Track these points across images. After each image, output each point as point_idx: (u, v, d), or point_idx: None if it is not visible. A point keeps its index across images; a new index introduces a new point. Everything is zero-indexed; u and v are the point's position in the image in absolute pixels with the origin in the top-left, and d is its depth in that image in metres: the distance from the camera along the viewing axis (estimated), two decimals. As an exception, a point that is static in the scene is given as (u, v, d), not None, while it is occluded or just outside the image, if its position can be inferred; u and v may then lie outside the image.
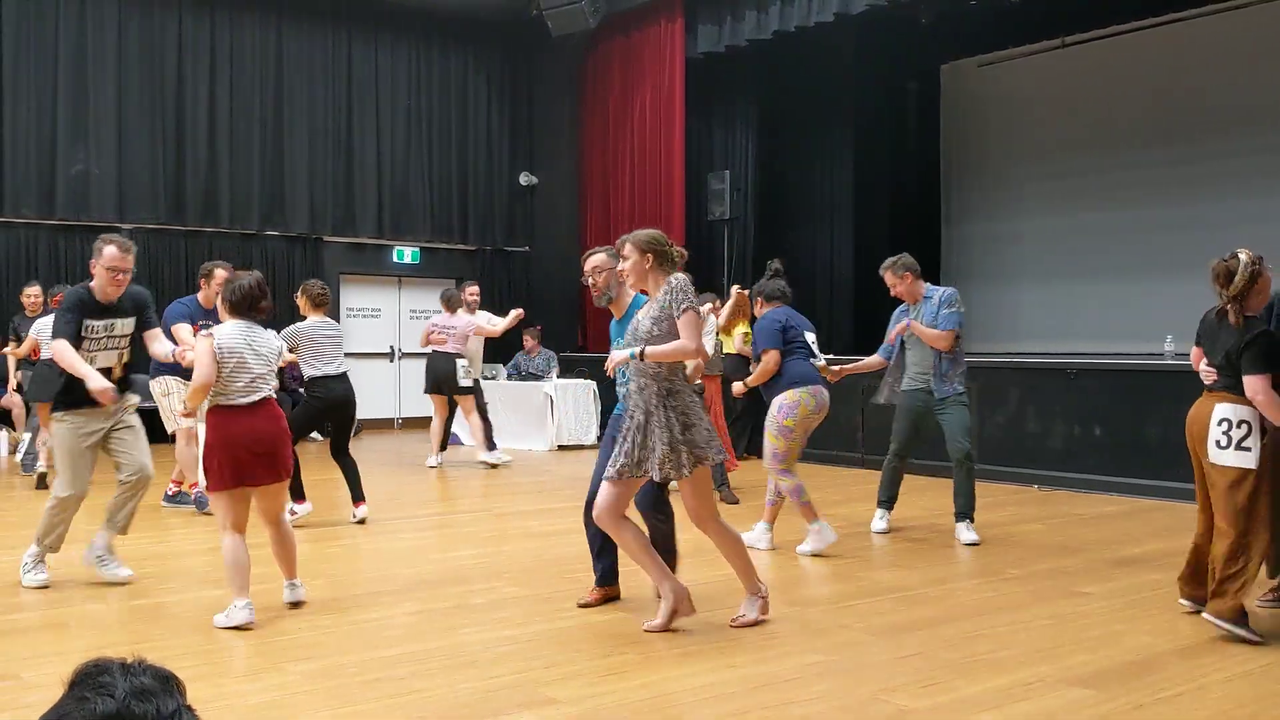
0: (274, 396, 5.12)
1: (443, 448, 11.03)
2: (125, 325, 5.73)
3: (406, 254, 15.44)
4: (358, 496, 7.65)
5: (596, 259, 5.21)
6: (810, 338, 6.71)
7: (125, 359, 5.79)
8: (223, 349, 4.90)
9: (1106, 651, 4.49)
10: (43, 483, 9.01)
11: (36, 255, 12.77)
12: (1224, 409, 4.61)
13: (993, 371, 10.08)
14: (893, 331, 7.11)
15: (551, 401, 12.63)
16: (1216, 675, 4.19)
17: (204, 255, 13.47)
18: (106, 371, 5.60)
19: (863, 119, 14.71)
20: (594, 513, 4.83)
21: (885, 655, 4.44)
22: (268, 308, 5.16)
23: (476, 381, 10.95)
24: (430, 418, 11.29)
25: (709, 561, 5.71)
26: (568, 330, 15.38)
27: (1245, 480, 4.56)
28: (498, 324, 11.15)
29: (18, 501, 8.87)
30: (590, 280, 5.20)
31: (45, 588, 5.54)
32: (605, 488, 4.75)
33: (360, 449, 10.51)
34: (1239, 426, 4.57)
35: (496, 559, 6.41)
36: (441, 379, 10.62)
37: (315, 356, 7.48)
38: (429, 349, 10.81)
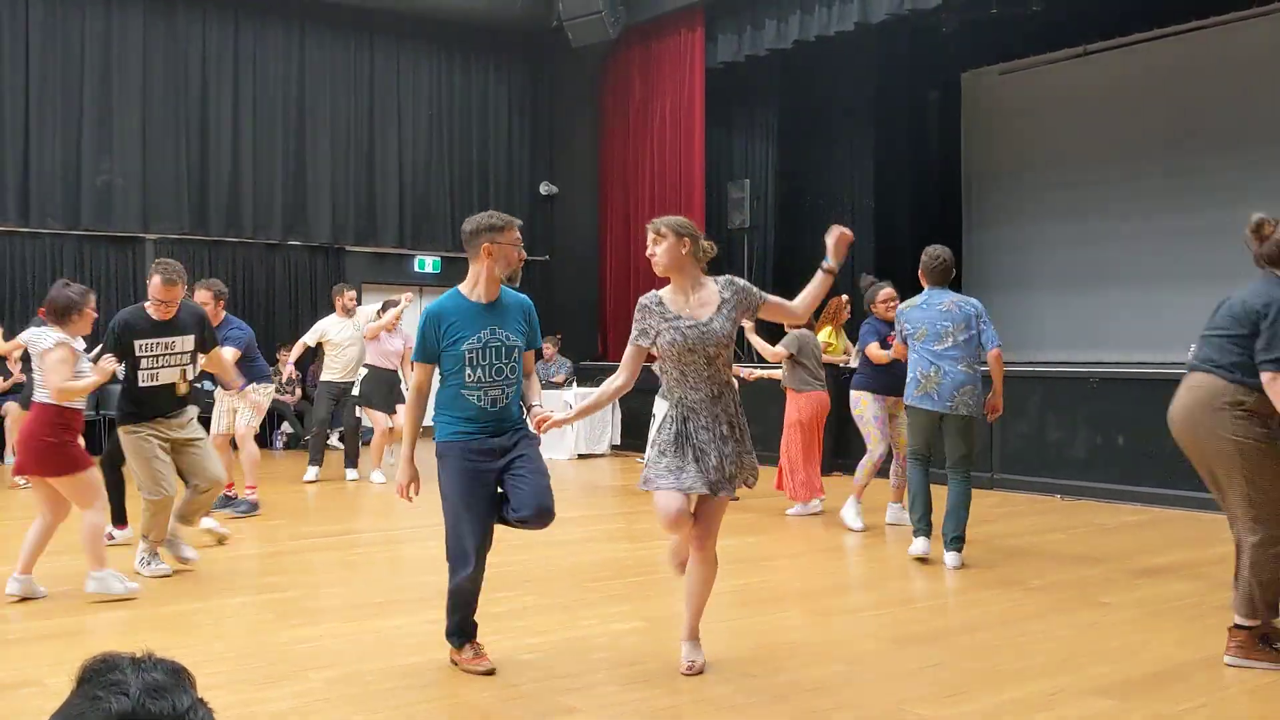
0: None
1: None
2: (185, 342, 6.02)
3: (428, 263, 15.50)
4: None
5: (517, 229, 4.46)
6: None
7: (189, 375, 6.09)
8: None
9: (1129, 662, 4.46)
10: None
11: (62, 265, 12.86)
12: None
13: (1013, 380, 9.95)
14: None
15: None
16: (1239, 686, 4.16)
17: (227, 265, 13.60)
18: (171, 388, 5.93)
19: (883, 127, 14.69)
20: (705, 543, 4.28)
21: (907, 665, 4.42)
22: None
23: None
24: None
25: (726, 573, 5.69)
26: (588, 338, 15.41)
27: None
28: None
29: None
30: (520, 253, 4.49)
31: (167, 576, 5.99)
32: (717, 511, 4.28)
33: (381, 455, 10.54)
34: None
35: (516, 567, 6.41)
36: (398, 393, 10.34)
37: None
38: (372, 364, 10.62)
